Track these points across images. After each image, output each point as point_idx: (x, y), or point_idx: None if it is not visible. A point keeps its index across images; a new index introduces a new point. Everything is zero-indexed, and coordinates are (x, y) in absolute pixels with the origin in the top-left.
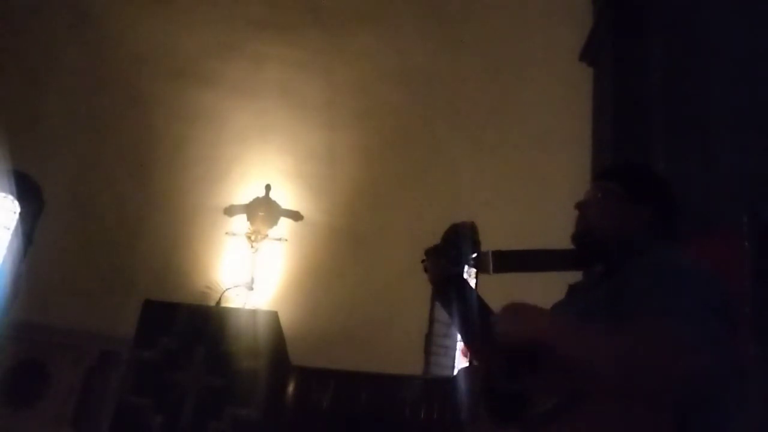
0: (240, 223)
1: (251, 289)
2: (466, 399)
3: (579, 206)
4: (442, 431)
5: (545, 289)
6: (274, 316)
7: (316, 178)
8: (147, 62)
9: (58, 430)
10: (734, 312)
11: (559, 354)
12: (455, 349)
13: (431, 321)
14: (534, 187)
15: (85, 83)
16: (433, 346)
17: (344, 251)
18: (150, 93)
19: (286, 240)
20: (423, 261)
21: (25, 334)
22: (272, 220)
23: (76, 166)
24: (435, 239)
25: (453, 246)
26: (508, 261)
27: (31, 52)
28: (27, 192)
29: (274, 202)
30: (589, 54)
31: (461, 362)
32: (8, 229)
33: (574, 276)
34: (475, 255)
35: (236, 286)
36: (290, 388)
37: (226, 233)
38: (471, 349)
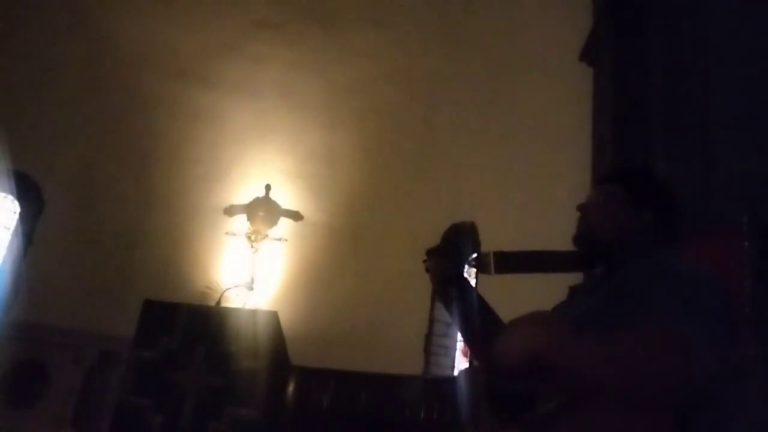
0: (240, 223)
1: (251, 289)
2: (468, 400)
3: (581, 208)
4: (442, 431)
5: (546, 291)
6: (274, 316)
7: (316, 178)
8: (147, 62)
9: (58, 430)
10: (734, 314)
11: (560, 366)
12: (455, 349)
13: (431, 321)
14: (534, 186)
15: (85, 83)
16: (433, 346)
17: (344, 251)
18: (150, 93)
19: (286, 240)
20: (424, 261)
21: (25, 334)
22: (272, 220)
23: (76, 166)
24: (435, 239)
25: (453, 246)
26: (510, 262)
27: (31, 52)
28: (27, 192)
29: (274, 202)
30: (589, 54)
31: (461, 362)
32: (8, 229)
33: (575, 278)
34: (476, 255)
35: (236, 286)
36: (290, 388)
37: (226, 233)
38: (471, 349)
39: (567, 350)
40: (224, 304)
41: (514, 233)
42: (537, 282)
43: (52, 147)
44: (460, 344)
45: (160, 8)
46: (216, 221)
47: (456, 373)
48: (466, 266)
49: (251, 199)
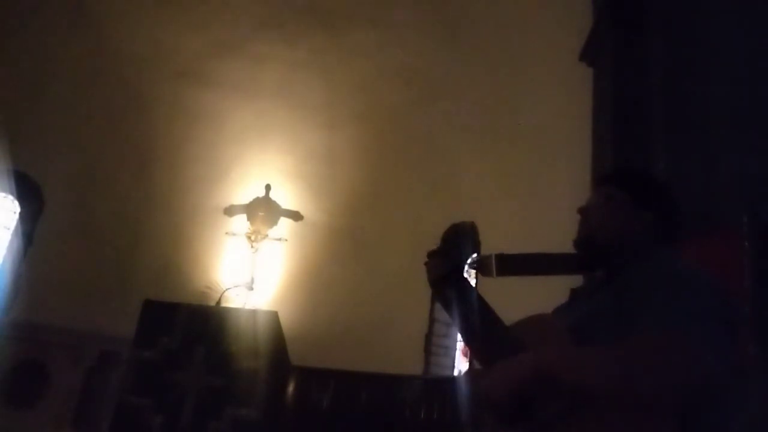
0: (240, 223)
1: (251, 289)
2: (469, 402)
3: (581, 211)
4: (441, 431)
5: (547, 293)
6: (274, 316)
7: (316, 178)
8: (147, 62)
9: (58, 430)
10: (735, 315)
11: (563, 382)
12: (455, 349)
13: (431, 321)
14: (534, 186)
15: (85, 83)
16: (433, 346)
17: (344, 251)
18: (150, 93)
19: (286, 240)
20: (426, 263)
21: (25, 334)
22: (272, 220)
23: (76, 166)
24: (435, 239)
25: (453, 246)
26: (511, 264)
27: (31, 52)
28: (27, 192)
29: (274, 202)
30: (589, 54)
31: (461, 362)
32: (8, 229)
33: (576, 280)
34: (478, 258)
35: (236, 286)
36: (290, 388)
37: (226, 233)
38: (471, 349)
39: (569, 368)
40: (224, 304)
41: (513, 233)
42: (538, 284)
43: (52, 147)
44: (460, 344)
45: (160, 8)
46: (216, 221)
47: (456, 373)
48: (467, 267)
49: (251, 199)
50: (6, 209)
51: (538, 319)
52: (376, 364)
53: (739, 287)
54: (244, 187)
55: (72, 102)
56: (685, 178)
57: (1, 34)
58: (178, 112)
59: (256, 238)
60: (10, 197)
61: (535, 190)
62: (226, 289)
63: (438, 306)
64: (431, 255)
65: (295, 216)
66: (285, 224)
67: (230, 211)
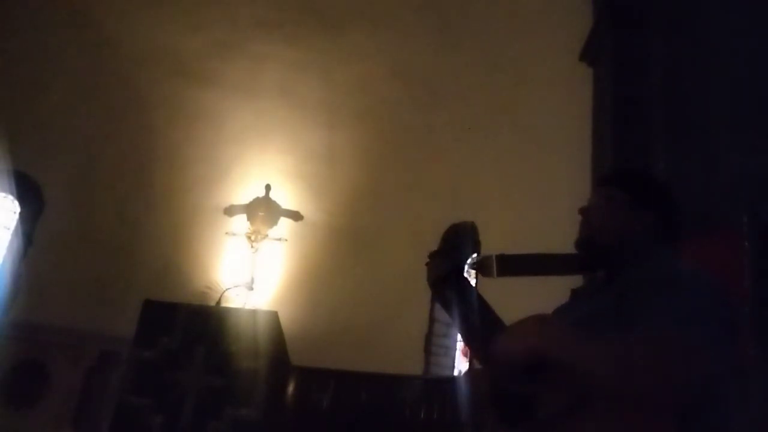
0: (240, 223)
1: (251, 289)
2: (469, 403)
3: (582, 212)
4: (441, 431)
5: (548, 293)
6: (274, 316)
7: (316, 178)
8: (147, 62)
9: (58, 430)
10: (735, 316)
11: (562, 363)
12: (455, 349)
13: (431, 321)
14: (534, 186)
15: (85, 83)
16: (433, 346)
17: (344, 251)
18: (150, 93)
19: (286, 240)
20: (427, 264)
21: (25, 334)
22: (272, 220)
23: (76, 166)
24: (435, 239)
25: (453, 246)
26: (512, 265)
27: (31, 52)
28: (27, 192)
29: (274, 202)
30: (589, 54)
31: (461, 362)
32: (8, 229)
33: (577, 280)
34: (478, 258)
35: (236, 286)
36: (290, 388)
37: (226, 233)
38: (471, 349)
39: (569, 347)
40: (224, 304)
41: (513, 233)
42: (538, 284)
43: (52, 147)
44: (460, 344)
45: (160, 8)
46: (216, 221)
47: (456, 373)
48: (467, 268)
49: (251, 199)
50: (6, 209)
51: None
52: (376, 364)
53: (739, 287)
54: (244, 187)
55: (72, 102)
56: (685, 178)
57: (1, 34)
58: (178, 112)
59: (256, 238)
60: (10, 197)
61: (535, 190)
62: (226, 289)
63: (438, 306)
64: (432, 256)
65: (295, 216)
66: (285, 224)
67: (230, 211)
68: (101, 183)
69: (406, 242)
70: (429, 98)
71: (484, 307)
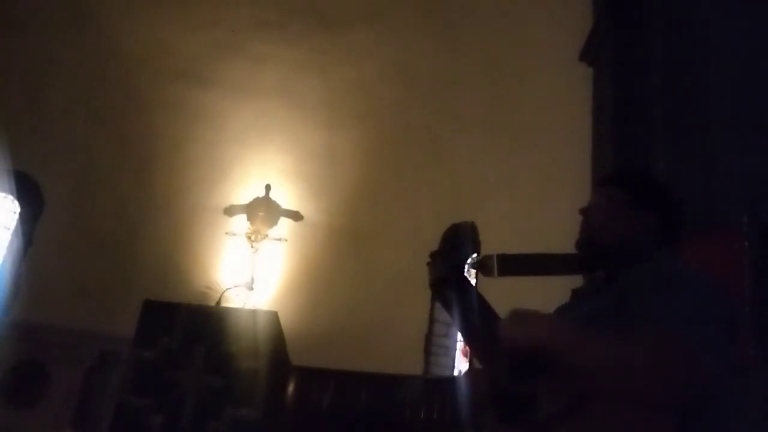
0: (240, 223)
1: (251, 289)
2: (469, 402)
3: (583, 212)
4: (441, 431)
5: (548, 293)
6: (274, 316)
7: (316, 178)
8: (147, 62)
9: (58, 430)
10: (736, 316)
11: (563, 359)
12: (455, 349)
13: (431, 321)
14: (534, 186)
15: (85, 83)
16: (433, 346)
17: (344, 251)
18: (150, 93)
19: (286, 240)
20: (428, 264)
21: (25, 334)
22: (272, 220)
23: (76, 166)
24: (435, 239)
25: (453, 246)
26: (513, 265)
27: (31, 52)
28: (27, 192)
29: (274, 202)
30: (589, 54)
31: (461, 362)
32: (8, 229)
33: (577, 280)
34: (479, 258)
35: (236, 286)
36: (290, 388)
37: (226, 233)
38: (472, 349)
39: (570, 342)
40: (224, 304)
41: (513, 232)
42: (539, 284)
43: (52, 147)
44: (460, 344)
45: (160, 8)
46: (216, 221)
47: (456, 373)
48: (467, 267)
49: (251, 199)
50: (6, 209)
51: None
52: (376, 364)
53: (739, 287)
54: (244, 187)
55: (72, 102)
56: (685, 178)
57: (1, 34)
58: (178, 112)
59: (256, 238)
60: (10, 197)
61: (535, 190)
62: (226, 289)
63: (438, 306)
64: (432, 256)
65: (295, 216)
66: (285, 224)
67: (230, 211)
68: (101, 183)
69: (406, 242)
70: (429, 98)
71: (485, 308)
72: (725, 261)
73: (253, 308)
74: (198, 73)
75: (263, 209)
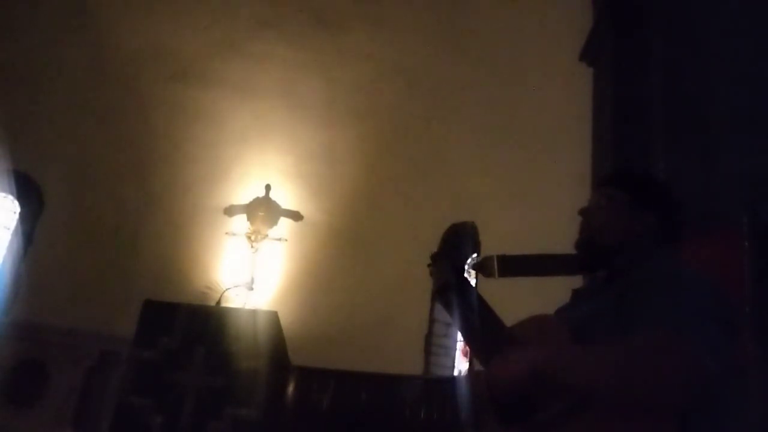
0: (240, 223)
1: (251, 289)
2: (469, 403)
3: (582, 212)
4: (441, 431)
5: (548, 293)
6: (274, 316)
7: (316, 178)
8: (147, 62)
9: (58, 430)
10: (735, 317)
11: (560, 383)
12: (455, 349)
13: (431, 321)
14: (534, 186)
15: (85, 83)
16: (433, 346)
17: (344, 251)
18: (150, 93)
19: (286, 240)
20: (429, 265)
21: (25, 334)
22: (272, 220)
23: (76, 166)
24: (435, 239)
25: (453, 247)
26: (513, 265)
27: (31, 52)
28: (27, 192)
29: (274, 202)
30: (589, 54)
31: (461, 362)
32: (8, 229)
33: (578, 280)
34: (479, 259)
35: (236, 286)
36: (290, 388)
37: (226, 233)
38: (472, 349)
39: (567, 368)
40: (224, 304)
41: (513, 233)
42: (539, 284)
43: (52, 147)
44: (460, 344)
45: (160, 8)
46: (216, 221)
47: (456, 373)
48: (468, 268)
49: (251, 199)
50: (6, 209)
51: (540, 320)
52: (376, 364)
53: (739, 287)
54: (244, 187)
55: (72, 102)
56: (685, 178)
57: (1, 34)
58: (178, 112)
59: (256, 238)
60: (10, 197)
61: (535, 190)
62: (226, 289)
63: (438, 306)
64: (434, 259)
65: (295, 216)
66: (285, 224)
67: (230, 211)
68: (101, 183)
69: (406, 242)
70: (429, 98)
71: (485, 308)
72: (725, 261)
73: (253, 308)
74: (198, 73)
75: (263, 209)
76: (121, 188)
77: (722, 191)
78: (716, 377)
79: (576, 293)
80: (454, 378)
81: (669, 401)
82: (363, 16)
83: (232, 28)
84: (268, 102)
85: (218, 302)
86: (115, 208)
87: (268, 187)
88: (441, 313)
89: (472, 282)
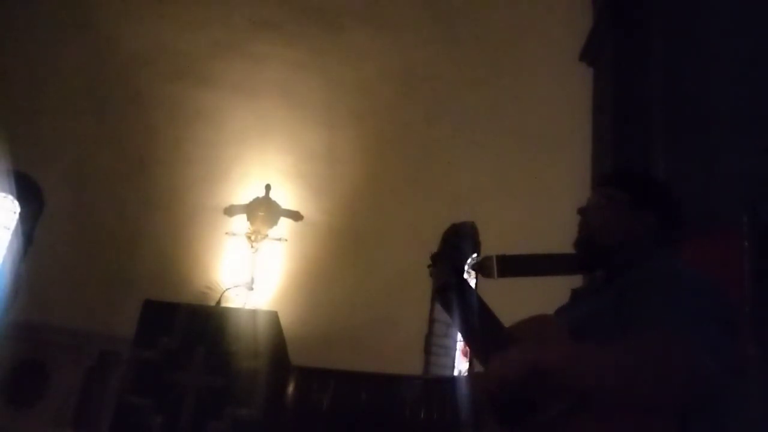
0: (240, 223)
1: (251, 289)
2: (470, 403)
3: (581, 212)
4: (441, 431)
5: (548, 293)
6: (274, 316)
7: (316, 178)
8: (147, 62)
9: (58, 430)
10: (735, 317)
11: (560, 383)
12: (455, 349)
13: (431, 321)
14: (534, 186)
15: (85, 83)
16: (433, 346)
17: (344, 251)
18: (150, 93)
19: (286, 240)
20: (429, 266)
21: (25, 334)
22: (272, 220)
23: (76, 166)
24: (435, 239)
25: (453, 247)
26: (513, 266)
27: (31, 52)
28: (27, 192)
29: (274, 202)
30: (589, 54)
31: (461, 362)
32: (8, 229)
33: (576, 280)
34: (479, 259)
35: (236, 286)
36: (290, 388)
37: (226, 233)
38: (472, 349)
39: (567, 369)
40: (224, 304)
41: (513, 233)
42: (539, 284)
43: (52, 147)
44: (460, 344)
45: (160, 8)
46: (216, 221)
47: (456, 373)
48: (467, 268)
49: (251, 199)
50: (6, 209)
51: (540, 320)
52: (376, 364)
53: (739, 287)
54: (244, 187)
55: (72, 102)
56: (685, 178)
57: (1, 34)
58: (178, 112)
59: (256, 238)
60: (10, 197)
61: (535, 190)
62: (226, 289)
63: (438, 306)
64: (433, 259)
65: (295, 216)
66: (285, 224)
67: (230, 211)
68: (101, 183)
69: (406, 242)
70: (429, 98)
71: (484, 309)
72: (725, 261)
73: (253, 308)
74: (197, 73)
75: (263, 209)
76: (121, 188)
77: (722, 191)
78: (716, 377)
79: (575, 293)
80: (454, 378)
81: (669, 401)
82: (363, 16)
83: (232, 28)
84: (268, 102)
85: (218, 302)
86: (115, 208)
87: (268, 187)
88: (441, 313)
89: (472, 282)
